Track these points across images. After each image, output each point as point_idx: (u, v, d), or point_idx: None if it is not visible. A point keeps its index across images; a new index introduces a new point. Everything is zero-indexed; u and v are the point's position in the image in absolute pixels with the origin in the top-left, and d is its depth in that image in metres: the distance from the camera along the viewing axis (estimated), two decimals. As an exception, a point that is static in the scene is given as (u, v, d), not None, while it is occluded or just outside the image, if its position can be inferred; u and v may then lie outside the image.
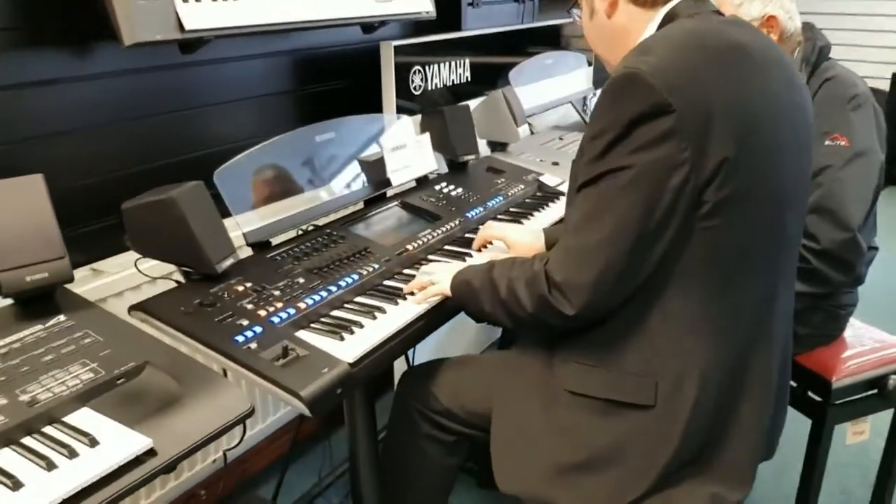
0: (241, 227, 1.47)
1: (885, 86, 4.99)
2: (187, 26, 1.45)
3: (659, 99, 1.02)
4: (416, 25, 2.40)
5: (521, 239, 1.58)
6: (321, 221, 1.67)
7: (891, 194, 4.35)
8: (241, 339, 1.18)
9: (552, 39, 3.09)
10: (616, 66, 1.11)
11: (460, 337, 2.58)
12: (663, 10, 1.19)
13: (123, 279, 1.55)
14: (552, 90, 2.73)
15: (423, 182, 1.96)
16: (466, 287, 1.30)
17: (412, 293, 1.39)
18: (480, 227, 1.71)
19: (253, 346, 1.17)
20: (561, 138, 2.57)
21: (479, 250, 1.62)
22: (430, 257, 1.60)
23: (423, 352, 2.12)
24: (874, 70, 4.88)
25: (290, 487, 2.05)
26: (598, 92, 2.95)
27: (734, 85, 1.08)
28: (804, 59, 1.72)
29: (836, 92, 1.67)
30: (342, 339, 1.23)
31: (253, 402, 1.02)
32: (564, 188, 2.07)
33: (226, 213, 1.42)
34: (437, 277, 1.38)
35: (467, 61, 2.46)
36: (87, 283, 1.52)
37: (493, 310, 1.25)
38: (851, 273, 1.62)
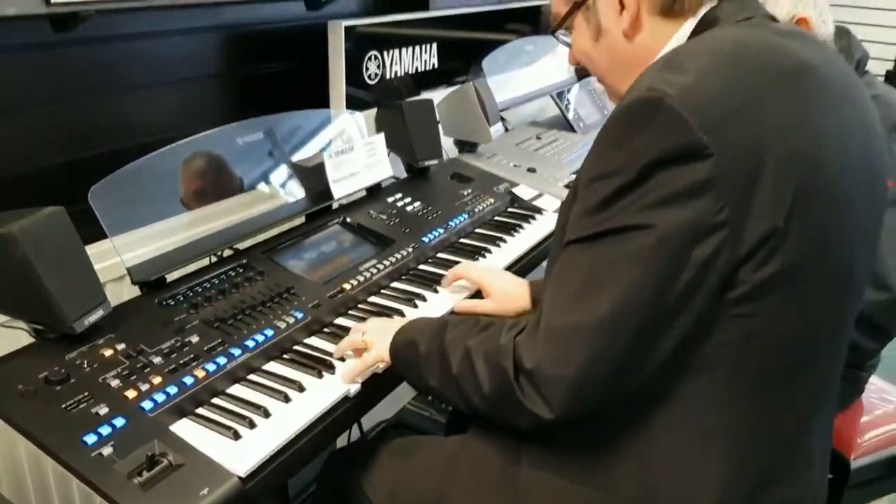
0: (123, 259, 1.13)
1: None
2: (54, -3, 1.10)
3: (691, 137, 0.72)
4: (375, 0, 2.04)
5: (505, 288, 1.25)
6: (241, 245, 1.33)
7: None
8: (92, 438, 0.85)
9: (531, 20, 2.74)
10: (626, 92, 0.80)
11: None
12: (699, 14, 0.87)
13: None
14: (530, 80, 2.39)
15: (374, 192, 1.62)
16: (410, 350, 0.99)
17: (343, 358, 1.07)
18: (440, 257, 1.39)
19: (107, 450, 0.84)
20: (539, 137, 2.25)
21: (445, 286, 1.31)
22: (374, 300, 1.27)
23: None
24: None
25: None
26: (580, 86, 2.66)
27: (797, 124, 0.78)
28: None
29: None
30: (237, 436, 0.90)
31: None
32: (542, 203, 1.75)
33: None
34: (372, 338, 1.05)
35: (434, 46, 2.11)
36: None
37: (440, 385, 0.94)
38: (886, 340, 1.33)
